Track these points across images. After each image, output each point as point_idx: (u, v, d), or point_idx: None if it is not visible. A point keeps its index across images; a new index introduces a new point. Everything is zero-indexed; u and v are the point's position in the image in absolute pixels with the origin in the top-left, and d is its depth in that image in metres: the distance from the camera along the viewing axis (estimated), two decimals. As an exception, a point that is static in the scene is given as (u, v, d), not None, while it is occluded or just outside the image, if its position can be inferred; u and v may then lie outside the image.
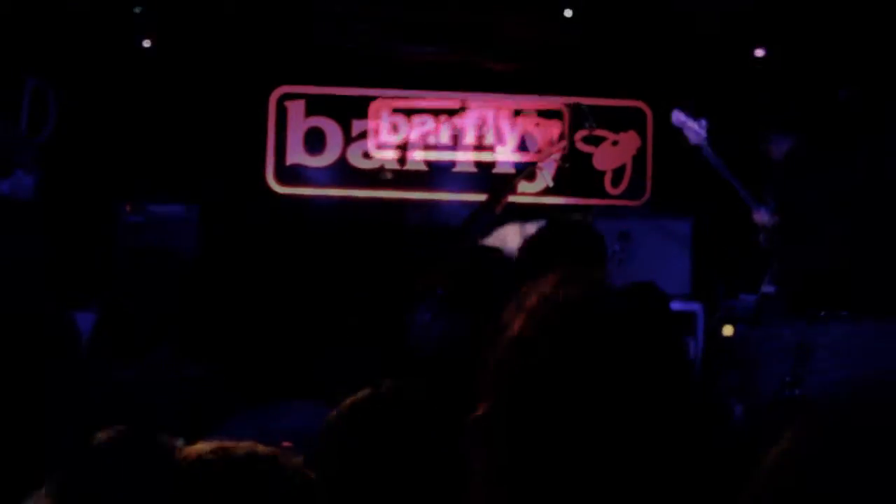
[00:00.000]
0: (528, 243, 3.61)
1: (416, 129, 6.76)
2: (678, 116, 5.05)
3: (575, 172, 6.11)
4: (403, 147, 6.70)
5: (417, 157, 6.75)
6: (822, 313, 3.47)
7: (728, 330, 5.40)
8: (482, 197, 6.04)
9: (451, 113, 6.78)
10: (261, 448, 1.81)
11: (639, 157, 6.81)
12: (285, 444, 3.23)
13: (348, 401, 2.17)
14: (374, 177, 6.71)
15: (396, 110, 6.76)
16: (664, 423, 1.38)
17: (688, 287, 6.02)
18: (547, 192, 6.51)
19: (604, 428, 1.35)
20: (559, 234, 3.66)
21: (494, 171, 6.79)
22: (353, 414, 2.14)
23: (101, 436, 2.03)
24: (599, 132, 6.50)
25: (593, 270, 2.84)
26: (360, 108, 6.76)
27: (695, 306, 5.83)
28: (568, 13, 6.17)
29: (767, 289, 4.76)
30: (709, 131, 4.98)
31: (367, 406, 2.14)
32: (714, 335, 5.55)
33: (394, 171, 6.72)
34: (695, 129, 5.00)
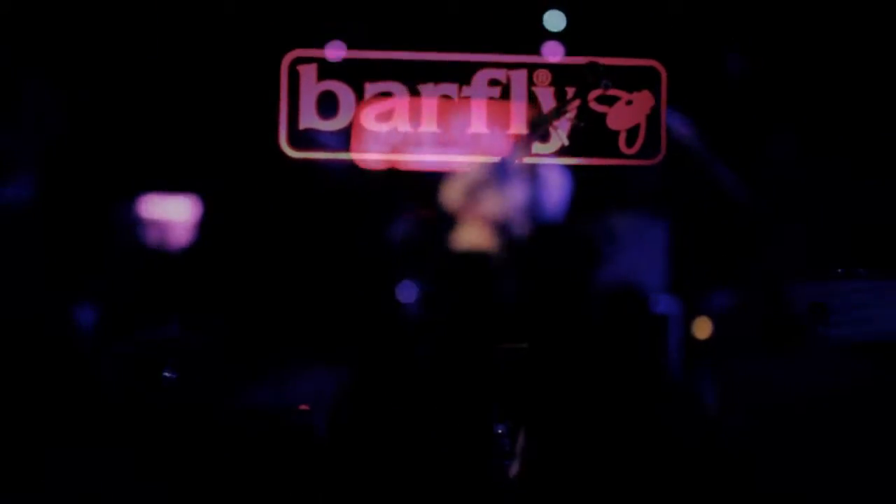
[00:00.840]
0: (521, 246, 3.63)
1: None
2: (669, 117, 5.12)
3: (589, 132, 6.10)
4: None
5: (427, 126, 6.74)
6: (840, 270, 3.48)
7: (703, 328, 5.43)
8: (496, 159, 6.03)
9: (460, 81, 6.77)
10: (279, 411, 1.83)
11: (653, 117, 6.81)
12: (303, 406, 3.24)
13: (362, 367, 2.18)
14: (388, 140, 6.71)
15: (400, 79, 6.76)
16: (634, 416, 1.39)
17: (667, 284, 6.03)
18: (562, 151, 6.52)
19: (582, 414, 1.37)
20: (550, 236, 3.68)
21: (509, 132, 6.78)
22: (367, 379, 2.15)
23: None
24: (613, 92, 6.52)
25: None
26: (372, 71, 6.75)
27: (673, 304, 5.84)
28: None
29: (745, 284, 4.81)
30: (697, 131, 5.04)
31: (380, 373, 2.15)
32: (691, 334, 5.58)
33: (404, 135, 6.71)
34: (683, 128, 5.06)
